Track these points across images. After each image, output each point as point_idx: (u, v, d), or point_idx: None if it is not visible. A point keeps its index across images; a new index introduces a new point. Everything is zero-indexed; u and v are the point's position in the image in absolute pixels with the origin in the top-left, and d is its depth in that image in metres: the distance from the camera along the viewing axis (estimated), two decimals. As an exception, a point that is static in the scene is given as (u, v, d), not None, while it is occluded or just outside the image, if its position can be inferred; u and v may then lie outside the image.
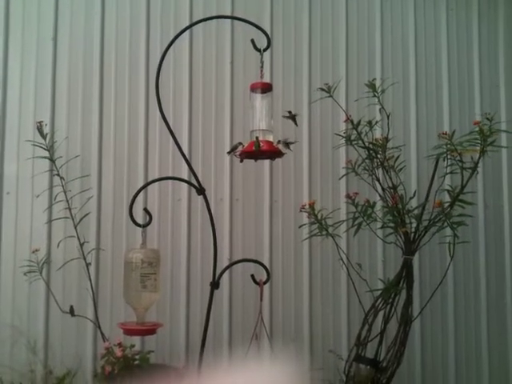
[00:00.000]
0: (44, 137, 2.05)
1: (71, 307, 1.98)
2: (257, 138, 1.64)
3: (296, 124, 1.88)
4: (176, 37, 1.79)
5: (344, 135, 2.20)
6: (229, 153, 1.81)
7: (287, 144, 1.76)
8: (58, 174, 2.05)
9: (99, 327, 2.00)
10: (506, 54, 2.77)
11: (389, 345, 2.04)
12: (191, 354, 2.16)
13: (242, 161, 1.76)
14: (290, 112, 1.86)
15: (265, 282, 1.80)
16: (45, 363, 2.04)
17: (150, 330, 1.66)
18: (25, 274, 1.99)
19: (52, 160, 2.06)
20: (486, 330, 2.59)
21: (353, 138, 2.13)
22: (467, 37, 2.74)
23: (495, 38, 2.78)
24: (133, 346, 1.80)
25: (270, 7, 2.44)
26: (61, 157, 2.10)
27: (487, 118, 1.92)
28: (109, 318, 2.10)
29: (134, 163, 2.22)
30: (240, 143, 1.74)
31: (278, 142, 1.73)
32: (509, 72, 2.77)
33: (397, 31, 2.62)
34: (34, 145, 2.06)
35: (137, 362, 1.74)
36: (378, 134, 2.26)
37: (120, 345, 1.74)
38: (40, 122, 2.06)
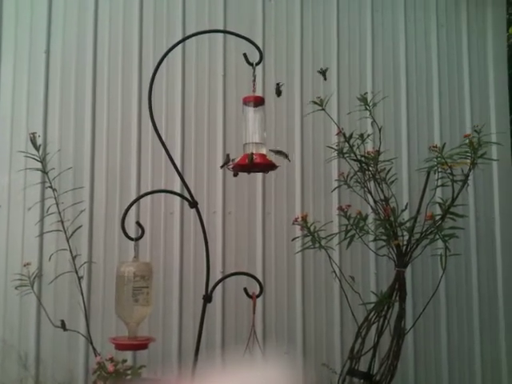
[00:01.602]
0: (37, 148, 2.05)
1: (62, 321, 1.96)
2: (252, 154, 1.64)
3: (288, 160, 1.87)
4: (169, 50, 1.80)
5: (336, 148, 2.21)
6: (222, 167, 1.81)
7: (284, 154, 1.77)
8: (51, 186, 2.05)
9: (91, 342, 1.98)
10: (495, 66, 2.81)
11: (382, 358, 2.03)
12: (184, 367, 2.14)
13: (235, 175, 1.76)
14: (278, 151, 1.84)
15: (258, 295, 1.79)
16: (36, 378, 2.01)
17: (142, 345, 1.64)
18: (16, 287, 1.98)
19: (45, 172, 2.06)
20: (479, 341, 2.60)
21: (345, 150, 2.14)
22: (457, 50, 2.78)
23: (484, 51, 2.82)
24: (125, 360, 1.78)
25: (262, 21, 2.46)
26: (53, 168, 2.09)
27: (476, 131, 1.94)
28: (100, 332, 2.08)
29: (127, 176, 2.22)
30: (228, 154, 1.75)
31: (277, 152, 1.74)
32: (498, 85, 2.80)
33: (387, 45, 2.65)
34: (27, 156, 2.05)
35: (129, 377, 1.72)
36: (369, 147, 2.28)
37: (112, 360, 1.72)
38: (33, 134, 2.05)
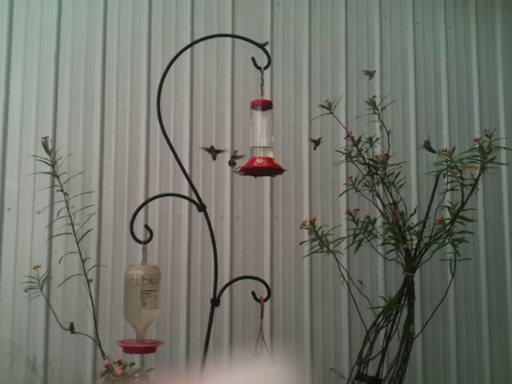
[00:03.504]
0: (49, 152, 2.06)
1: (71, 324, 1.97)
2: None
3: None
4: (177, 55, 1.81)
5: (344, 152, 2.20)
6: (208, 150, 1.82)
7: (317, 142, 1.80)
8: (62, 190, 2.05)
9: (99, 344, 1.99)
10: (504, 70, 2.80)
11: (391, 363, 2.02)
12: (192, 371, 2.14)
13: (232, 164, 1.78)
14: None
15: (265, 299, 1.79)
16: (44, 381, 2.02)
17: (150, 348, 1.64)
18: (25, 290, 1.99)
19: (56, 176, 2.07)
20: (488, 347, 2.58)
21: (353, 154, 2.14)
22: (466, 54, 2.77)
23: (493, 54, 2.81)
24: (132, 363, 1.78)
25: (270, 25, 2.46)
26: (65, 173, 2.10)
27: (487, 135, 1.93)
28: (109, 335, 2.09)
29: (135, 180, 2.23)
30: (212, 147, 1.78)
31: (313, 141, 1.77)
32: (507, 89, 2.79)
33: (396, 48, 2.65)
34: (39, 160, 2.06)
35: (137, 380, 1.72)
36: (378, 150, 2.27)
37: (120, 362, 1.72)
38: (46, 138, 2.06)
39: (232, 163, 1.80)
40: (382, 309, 2.02)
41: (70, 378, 2.01)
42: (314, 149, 1.86)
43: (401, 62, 2.64)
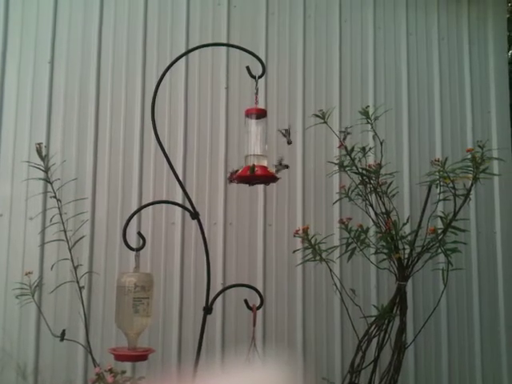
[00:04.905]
0: (43, 158, 2.05)
1: (63, 331, 1.95)
2: (253, 165, 1.64)
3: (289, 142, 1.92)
4: (172, 63, 1.81)
5: (337, 162, 2.21)
6: (230, 180, 1.82)
7: (281, 165, 1.78)
8: (55, 196, 2.05)
9: (90, 352, 1.98)
10: (496, 81, 2.82)
11: (383, 372, 2.02)
12: (183, 379, 2.13)
13: (231, 180, 1.78)
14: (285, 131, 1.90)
15: (258, 307, 1.78)
16: (34, 388, 2.01)
17: (142, 356, 1.63)
18: (17, 296, 1.97)
19: (50, 182, 2.06)
20: (479, 357, 2.58)
21: (346, 163, 2.15)
22: (459, 65, 2.79)
23: (486, 65, 2.84)
24: (124, 371, 1.77)
25: (265, 35, 2.48)
26: (58, 179, 2.10)
27: (479, 146, 1.94)
28: (100, 343, 2.08)
29: (128, 187, 2.23)
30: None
31: (276, 165, 1.75)
32: (500, 99, 2.82)
33: (390, 59, 2.67)
34: (33, 166, 2.05)
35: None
36: (371, 160, 2.28)
37: (111, 370, 1.71)
38: (40, 144, 2.06)
39: (230, 181, 1.80)
40: (374, 318, 2.02)
41: (61, 386, 1.99)
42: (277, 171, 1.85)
43: (394, 72, 2.66)
